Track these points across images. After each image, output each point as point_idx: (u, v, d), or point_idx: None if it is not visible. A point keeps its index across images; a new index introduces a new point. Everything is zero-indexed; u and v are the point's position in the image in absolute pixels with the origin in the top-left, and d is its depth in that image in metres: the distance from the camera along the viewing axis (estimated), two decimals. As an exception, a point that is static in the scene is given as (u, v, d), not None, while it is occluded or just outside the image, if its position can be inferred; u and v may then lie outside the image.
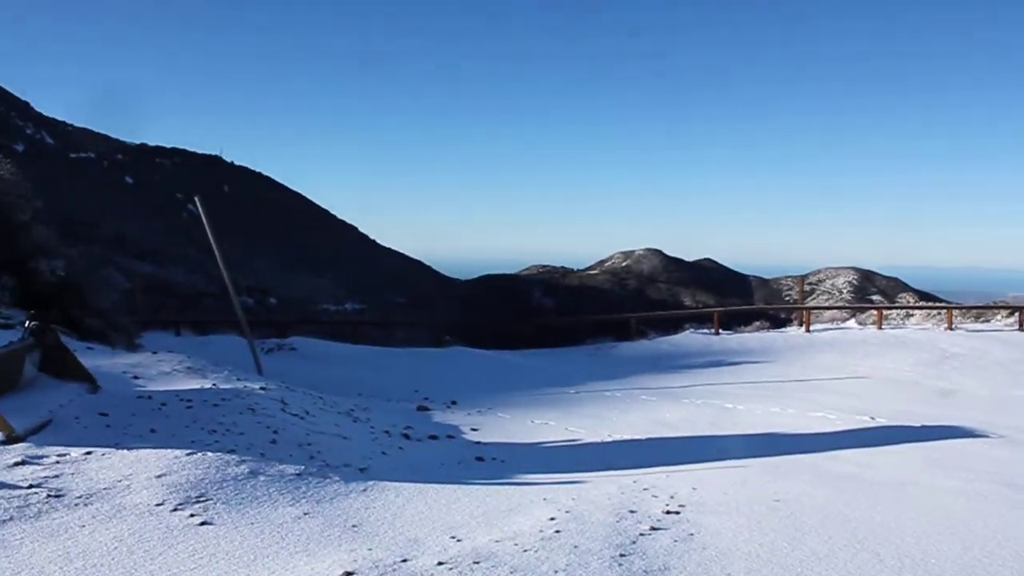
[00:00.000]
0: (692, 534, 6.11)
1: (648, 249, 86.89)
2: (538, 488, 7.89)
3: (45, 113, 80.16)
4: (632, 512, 6.75)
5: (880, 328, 26.98)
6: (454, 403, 14.47)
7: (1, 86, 76.99)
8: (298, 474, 7.52)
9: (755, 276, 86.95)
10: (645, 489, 7.73)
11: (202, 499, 6.59)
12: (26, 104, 78.24)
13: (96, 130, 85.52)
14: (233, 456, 7.68)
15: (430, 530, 6.30)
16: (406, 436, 10.78)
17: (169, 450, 7.67)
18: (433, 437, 10.99)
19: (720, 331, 27.10)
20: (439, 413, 13.39)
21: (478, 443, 10.79)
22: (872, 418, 13.43)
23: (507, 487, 7.96)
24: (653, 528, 6.23)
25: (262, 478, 7.25)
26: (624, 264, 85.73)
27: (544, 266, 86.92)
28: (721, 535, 6.06)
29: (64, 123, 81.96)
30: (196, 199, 15.88)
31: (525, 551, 5.57)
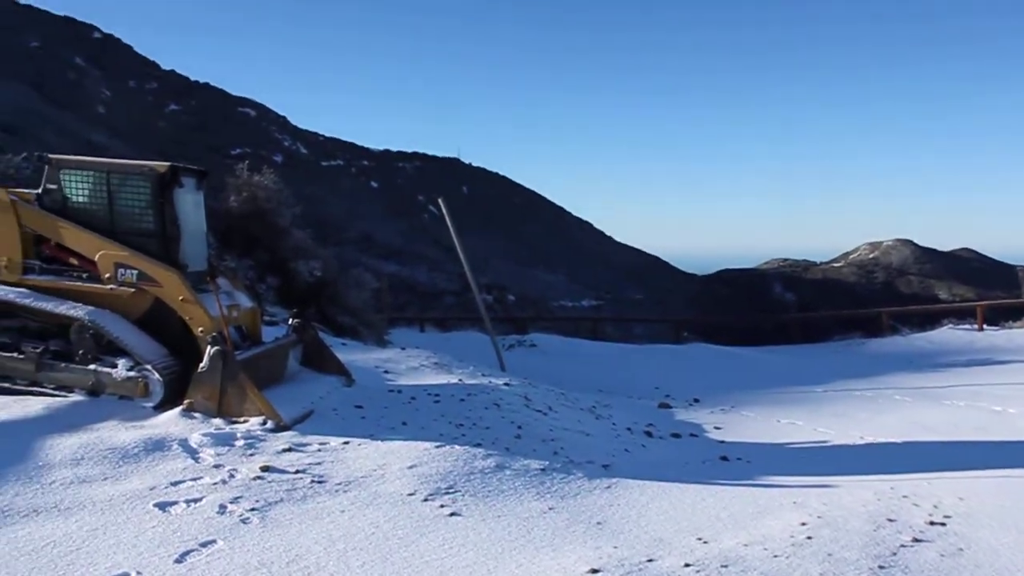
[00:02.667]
0: (961, 549, 5.63)
1: (898, 239, 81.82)
2: (787, 491, 7.57)
3: (300, 126, 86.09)
4: (891, 521, 6.32)
5: None
6: (696, 401, 14.20)
7: (263, 104, 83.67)
8: (542, 469, 7.61)
9: (1023, 266, 79.89)
10: (904, 496, 7.21)
11: (451, 490, 6.81)
12: (284, 118, 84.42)
13: (344, 139, 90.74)
14: (480, 450, 7.90)
15: (675, 530, 6.19)
16: (648, 434, 10.69)
17: (419, 442, 8.00)
18: (676, 435, 10.83)
19: (984, 327, 25.02)
20: (681, 411, 13.19)
21: (722, 442, 10.53)
22: None
23: (754, 489, 7.69)
24: (916, 539, 5.80)
25: (508, 472, 7.39)
26: (871, 256, 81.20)
27: (785, 259, 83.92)
28: (997, 553, 5.55)
29: (316, 134, 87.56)
30: (440, 200, 16.48)
31: (775, 557, 5.35)
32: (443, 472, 7.19)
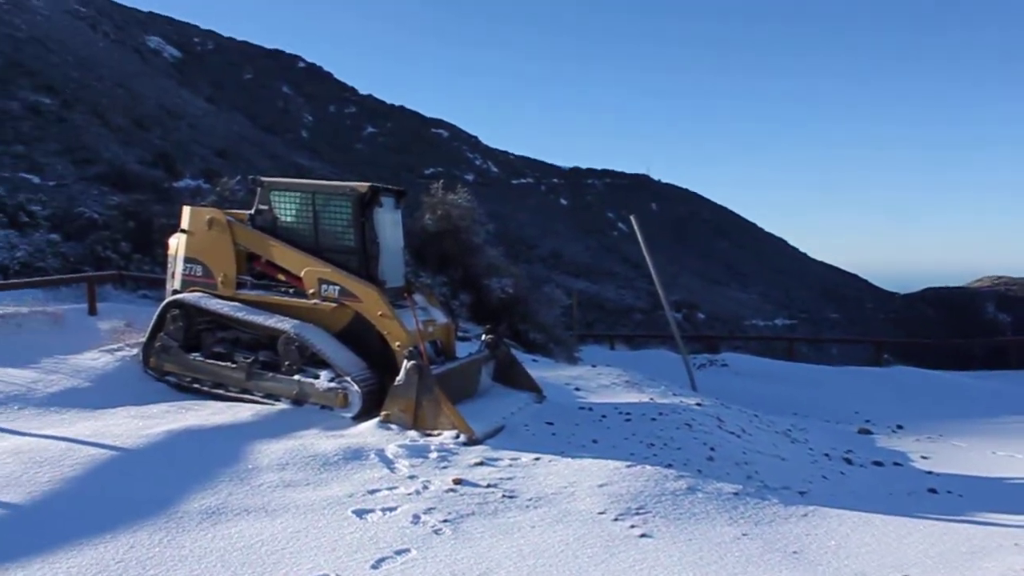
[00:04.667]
0: None
1: None
2: (1005, 531, 7.00)
3: (491, 145, 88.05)
4: None
5: None
6: (900, 427, 13.42)
7: (455, 125, 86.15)
8: (735, 493, 7.38)
9: None
10: None
11: (641, 511, 6.70)
12: (475, 138, 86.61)
13: (534, 157, 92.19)
14: (671, 471, 7.74)
15: (878, 566, 5.86)
16: (847, 460, 10.18)
17: (610, 461, 7.93)
18: (877, 463, 10.26)
19: None
20: (883, 437, 12.50)
21: (929, 473, 9.87)
22: None
23: (966, 526, 7.16)
24: None
25: (699, 494, 7.21)
26: (1102, 274, 74.53)
27: (1000, 277, 78.32)
28: None
29: (507, 152, 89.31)
30: (632, 218, 16.37)
31: (994, 602, 4.95)
32: (634, 492, 7.09)
